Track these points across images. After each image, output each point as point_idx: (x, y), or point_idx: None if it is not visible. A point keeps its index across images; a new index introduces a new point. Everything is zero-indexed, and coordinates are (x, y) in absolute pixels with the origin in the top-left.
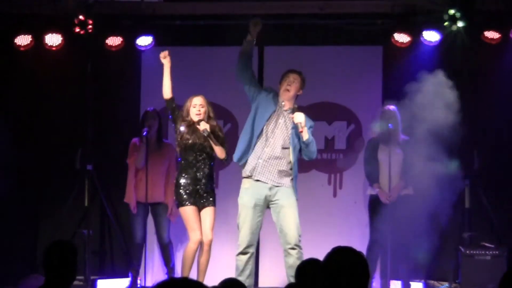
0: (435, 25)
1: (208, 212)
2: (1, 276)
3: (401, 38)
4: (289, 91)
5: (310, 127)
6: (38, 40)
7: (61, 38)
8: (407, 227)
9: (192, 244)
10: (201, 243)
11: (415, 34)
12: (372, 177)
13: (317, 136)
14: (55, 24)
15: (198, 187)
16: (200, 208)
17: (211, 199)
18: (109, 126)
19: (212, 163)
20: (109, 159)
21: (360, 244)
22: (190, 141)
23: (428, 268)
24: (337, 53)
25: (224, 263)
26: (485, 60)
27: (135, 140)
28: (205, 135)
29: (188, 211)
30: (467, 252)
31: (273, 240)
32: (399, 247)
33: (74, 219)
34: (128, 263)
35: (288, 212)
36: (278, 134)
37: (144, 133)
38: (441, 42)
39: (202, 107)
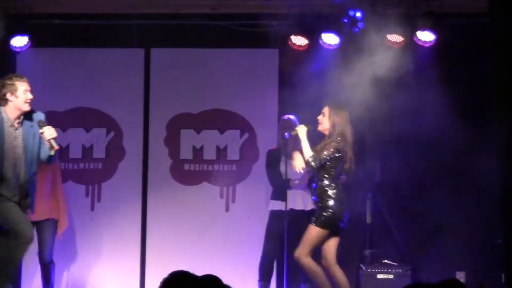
0: (334, 28)
1: None
2: None
3: (299, 40)
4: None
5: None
6: None
7: None
8: None
9: None
10: None
11: (313, 36)
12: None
13: (208, 145)
14: None
15: None
16: None
17: None
18: None
19: None
20: None
21: (253, 261)
22: None
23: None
24: (229, 56)
25: None
26: (390, 63)
27: None
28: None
29: None
30: (368, 270)
31: None
32: (297, 265)
33: None
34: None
35: None
36: None
37: None
38: (341, 45)
39: None
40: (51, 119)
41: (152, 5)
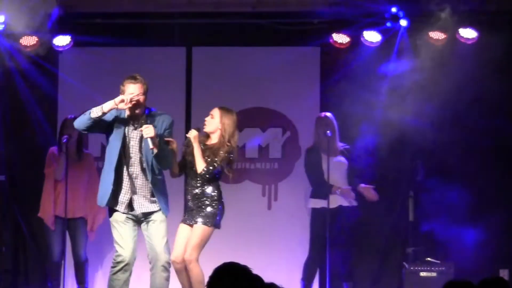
0: (376, 25)
1: None
2: None
3: (340, 38)
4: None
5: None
6: None
7: None
8: (349, 242)
9: None
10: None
11: (355, 34)
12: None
13: (250, 143)
14: None
15: None
16: None
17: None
18: (23, 133)
19: None
20: (24, 169)
21: (298, 259)
22: None
23: (370, 286)
24: (271, 54)
25: None
26: (431, 61)
27: (53, 149)
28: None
29: None
30: (411, 268)
31: None
32: (340, 264)
33: None
34: (44, 282)
35: None
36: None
37: (64, 140)
38: (383, 42)
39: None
40: None
41: (193, 3)
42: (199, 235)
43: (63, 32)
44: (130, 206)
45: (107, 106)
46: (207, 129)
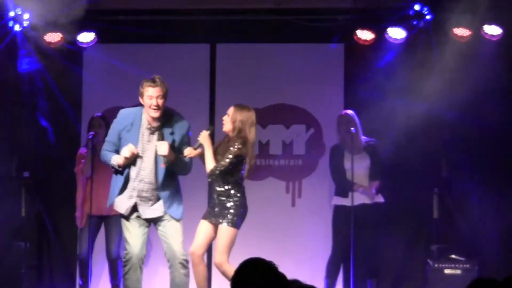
0: (400, 21)
1: None
2: None
3: (364, 35)
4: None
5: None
6: None
7: None
8: (373, 239)
9: None
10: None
11: (379, 31)
12: (344, 186)
13: (274, 140)
14: None
15: None
16: None
17: None
18: (47, 130)
19: None
20: (50, 165)
21: (321, 257)
22: None
23: (394, 283)
24: (295, 51)
25: None
26: (456, 57)
27: (82, 149)
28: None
29: None
30: (436, 265)
31: None
32: (364, 261)
33: (9, 230)
34: (68, 279)
35: None
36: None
37: (90, 136)
38: (407, 39)
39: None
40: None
41: (216, 0)
42: (225, 238)
43: (87, 29)
44: (134, 210)
45: (120, 161)
46: (224, 128)
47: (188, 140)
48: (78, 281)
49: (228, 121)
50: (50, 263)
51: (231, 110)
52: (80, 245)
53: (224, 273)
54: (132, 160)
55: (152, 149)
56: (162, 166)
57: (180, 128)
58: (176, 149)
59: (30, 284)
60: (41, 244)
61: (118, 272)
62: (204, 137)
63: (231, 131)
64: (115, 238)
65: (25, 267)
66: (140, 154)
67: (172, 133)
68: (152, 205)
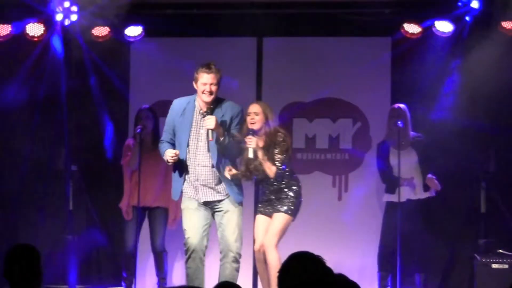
0: (447, 15)
1: None
2: None
3: (411, 28)
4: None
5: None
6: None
7: (43, 29)
8: (421, 234)
9: None
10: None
11: (427, 24)
12: (392, 183)
13: (321, 134)
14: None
15: None
16: None
17: None
18: (96, 124)
19: None
20: (97, 159)
21: (369, 252)
22: None
23: (442, 277)
24: (341, 44)
25: None
26: (504, 51)
27: (129, 140)
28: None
29: None
30: (483, 260)
31: None
32: (412, 255)
33: (58, 224)
34: (116, 271)
35: None
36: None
37: (138, 130)
38: (454, 33)
39: (256, 114)
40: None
41: None
42: (281, 223)
43: (135, 23)
44: (196, 194)
45: (166, 159)
46: (255, 126)
47: (240, 123)
48: (122, 275)
49: (260, 120)
50: (98, 256)
51: (259, 109)
52: (126, 238)
53: (267, 256)
54: (184, 150)
55: (205, 133)
56: (210, 140)
57: (231, 110)
58: (227, 129)
59: (79, 276)
60: (89, 237)
61: (164, 265)
62: (253, 147)
63: (262, 128)
64: (160, 230)
65: (73, 260)
66: (193, 139)
67: (222, 116)
68: (212, 187)
